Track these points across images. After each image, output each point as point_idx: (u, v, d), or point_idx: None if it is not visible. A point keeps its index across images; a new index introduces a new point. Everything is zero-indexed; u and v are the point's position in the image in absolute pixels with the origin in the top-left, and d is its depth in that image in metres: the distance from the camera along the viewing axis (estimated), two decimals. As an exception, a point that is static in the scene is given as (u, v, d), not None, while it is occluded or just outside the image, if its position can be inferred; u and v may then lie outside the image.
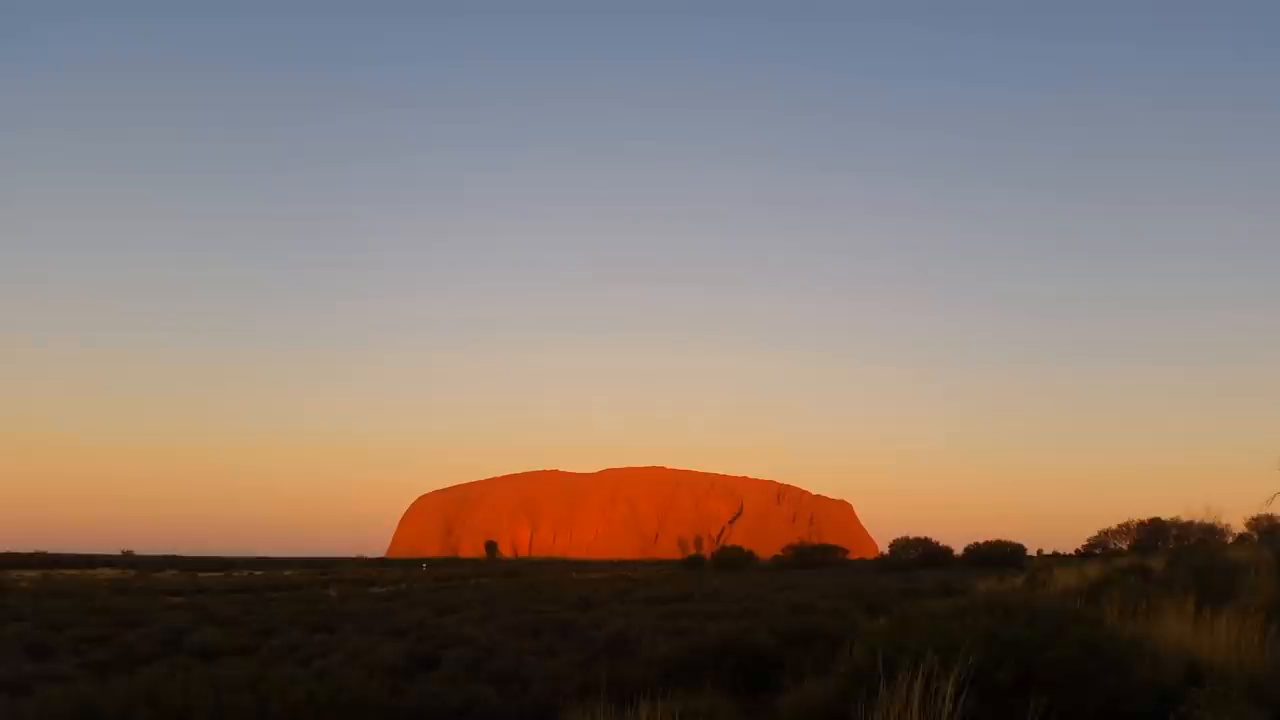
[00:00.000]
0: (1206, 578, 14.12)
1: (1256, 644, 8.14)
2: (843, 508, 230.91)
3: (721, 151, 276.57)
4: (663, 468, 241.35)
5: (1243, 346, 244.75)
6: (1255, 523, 47.65)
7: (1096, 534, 76.40)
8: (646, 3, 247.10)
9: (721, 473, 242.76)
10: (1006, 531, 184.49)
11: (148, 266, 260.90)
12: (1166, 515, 65.65)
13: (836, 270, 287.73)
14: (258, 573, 70.52)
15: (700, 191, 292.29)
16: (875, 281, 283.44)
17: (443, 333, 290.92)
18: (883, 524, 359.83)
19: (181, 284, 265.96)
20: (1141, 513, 73.40)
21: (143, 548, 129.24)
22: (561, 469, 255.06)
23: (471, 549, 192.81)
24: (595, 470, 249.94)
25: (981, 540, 77.29)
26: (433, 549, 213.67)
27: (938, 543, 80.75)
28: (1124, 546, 66.54)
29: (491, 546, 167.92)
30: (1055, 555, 78.08)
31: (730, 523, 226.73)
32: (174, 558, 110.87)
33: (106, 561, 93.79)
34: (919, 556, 75.67)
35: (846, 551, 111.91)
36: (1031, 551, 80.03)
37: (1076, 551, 76.95)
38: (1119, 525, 72.72)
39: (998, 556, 68.96)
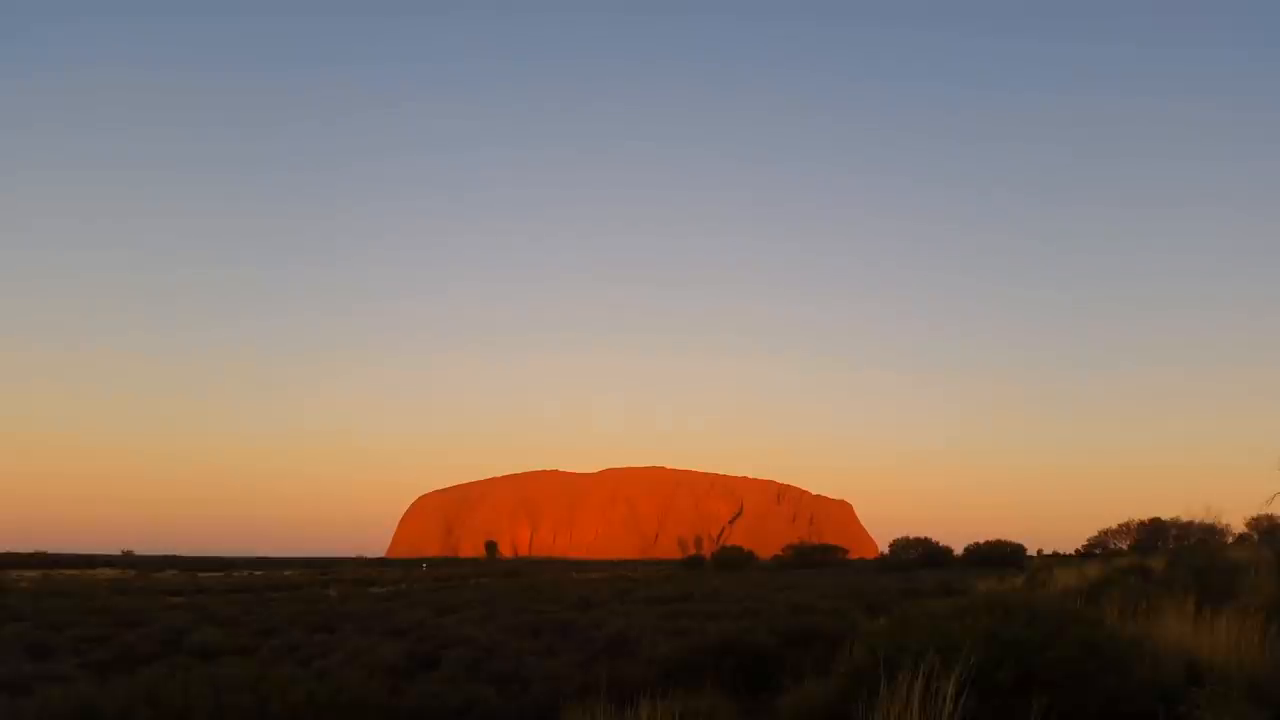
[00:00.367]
0: (1206, 578, 14.12)
1: (1256, 644, 8.13)
2: (843, 508, 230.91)
3: (722, 153, 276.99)
4: (663, 468, 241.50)
5: (1243, 346, 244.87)
6: (1255, 523, 47.71)
7: (1096, 534, 76.52)
8: (647, 4, 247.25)
9: (721, 473, 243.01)
10: (1006, 531, 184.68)
11: (148, 266, 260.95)
12: (1166, 515, 65.75)
13: (837, 271, 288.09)
14: (258, 573, 70.53)
15: (701, 193, 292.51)
16: (875, 282, 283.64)
17: (443, 333, 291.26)
18: (883, 524, 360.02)
19: (181, 284, 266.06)
20: (1141, 513, 73.51)
21: (143, 548, 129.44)
22: (561, 469, 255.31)
23: (471, 549, 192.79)
24: (595, 470, 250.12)
25: (981, 540, 77.44)
26: (433, 549, 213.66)
27: (938, 543, 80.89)
28: (1124, 546, 66.55)
29: (491, 546, 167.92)
30: (1055, 555, 78.08)
31: (730, 523, 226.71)
32: (174, 558, 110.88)
33: (106, 561, 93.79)
34: (919, 556, 75.67)
35: (846, 551, 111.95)
36: (1031, 551, 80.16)
37: (1076, 551, 76.99)
38: (1119, 525, 72.82)
39: (998, 556, 68.97)
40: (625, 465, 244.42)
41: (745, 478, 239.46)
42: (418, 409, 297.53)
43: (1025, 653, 6.90)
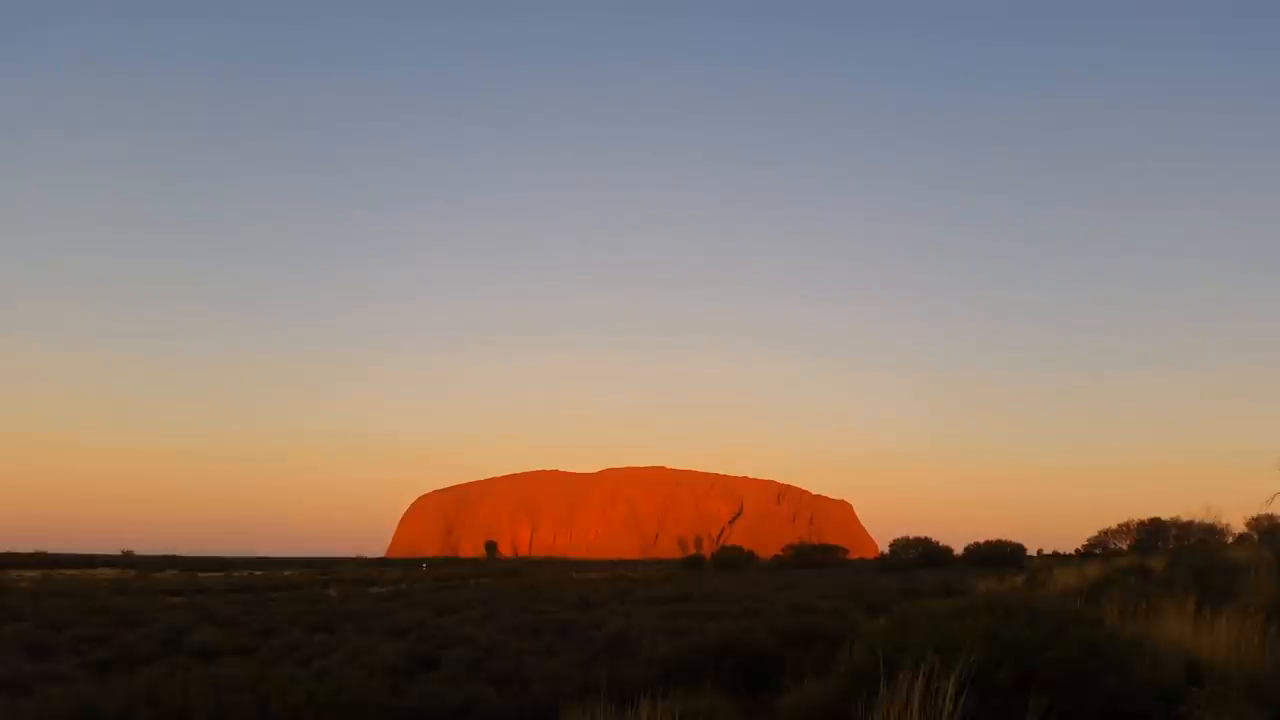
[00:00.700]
0: (1206, 578, 14.12)
1: (1256, 644, 8.13)
2: (843, 508, 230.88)
3: (723, 153, 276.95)
4: (663, 468, 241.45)
5: (1243, 347, 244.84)
6: (1255, 523, 47.69)
7: (1096, 534, 76.49)
8: (648, 6, 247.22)
9: (721, 473, 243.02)
10: (1006, 531, 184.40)
11: (148, 267, 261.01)
12: (1166, 515, 65.71)
13: (837, 271, 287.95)
14: (258, 573, 70.50)
15: (701, 193, 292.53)
16: (876, 283, 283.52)
17: (443, 333, 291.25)
18: (883, 524, 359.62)
19: (181, 284, 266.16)
20: (1141, 513, 73.43)
21: (143, 548, 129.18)
22: (561, 469, 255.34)
23: (471, 549, 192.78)
24: (595, 470, 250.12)
25: (981, 540, 77.46)
26: (433, 549, 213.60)
27: (938, 543, 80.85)
28: (1124, 546, 66.53)
29: (491, 546, 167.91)
30: (1055, 555, 78.01)
31: (730, 523, 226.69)
32: (174, 558, 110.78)
33: (106, 561, 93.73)
34: (919, 556, 75.65)
35: (846, 551, 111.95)
36: (1031, 551, 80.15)
37: (1076, 551, 76.95)
38: (1119, 525, 72.79)
39: (998, 556, 68.98)
40: (625, 465, 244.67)
41: (745, 478, 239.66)
42: (418, 409, 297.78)
43: (1025, 653, 6.90)
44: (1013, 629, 7.16)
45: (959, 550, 78.31)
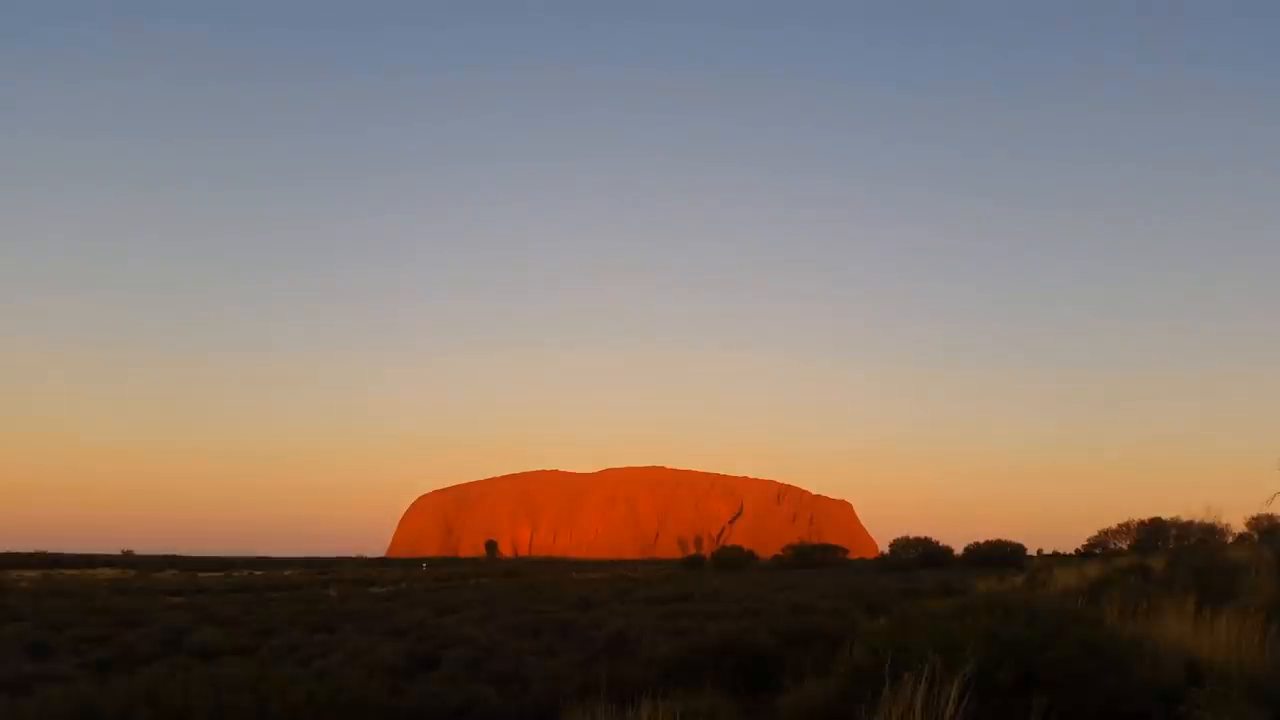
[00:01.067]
0: (1206, 578, 14.11)
1: (1256, 644, 8.12)
2: (843, 508, 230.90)
3: (723, 153, 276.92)
4: (663, 468, 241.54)
5: (1243, 347, 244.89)
6: (1255, 523, 47.69)
7: (1096, 534, 76.40)
8: (648, 9, 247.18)
9: (721, 473, 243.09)
10: (1006, 531, 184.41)
11: (148, 266, 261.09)
12: (1166, 515, 65.65)
13: (837, 271, 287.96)
14: (258, 573, 70.49)
15: (701, 193, 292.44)
16: (876, 283, 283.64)
17: (443, 333, 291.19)
18: (883, 524, 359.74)
19: (182, 284, 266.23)
20: (1141, 513, 73.40)
21: (143, 548, 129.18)
22: (561, 469, 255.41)
23: (471, 549, 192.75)
24: (595, 470, 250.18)
25: (981, 540, 77.44)
26: (433, 549, 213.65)
27: (938, 543, 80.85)
28: (1124, 546, 66.49)
29: (491, 546, 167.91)
30: (1055, 555, 78.02)
31: (730, 523, 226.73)
32: (174, 558, 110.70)
33: (106, 561, 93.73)
34: (919, 556, 75.64)
35: (846, 551, 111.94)
36: (1031, 551, 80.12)
37: (1076, 551, 76.90)
38: (1119, 525, 72.71)
39: (998, 556, 68.96)
40: (625, 465, 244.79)
41: (745, 478, 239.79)
42: (418, 409, 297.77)
43: (1025, 653, 6.90)
44: (1013, 629, 7.16)
45: (959, 550, 78.40)
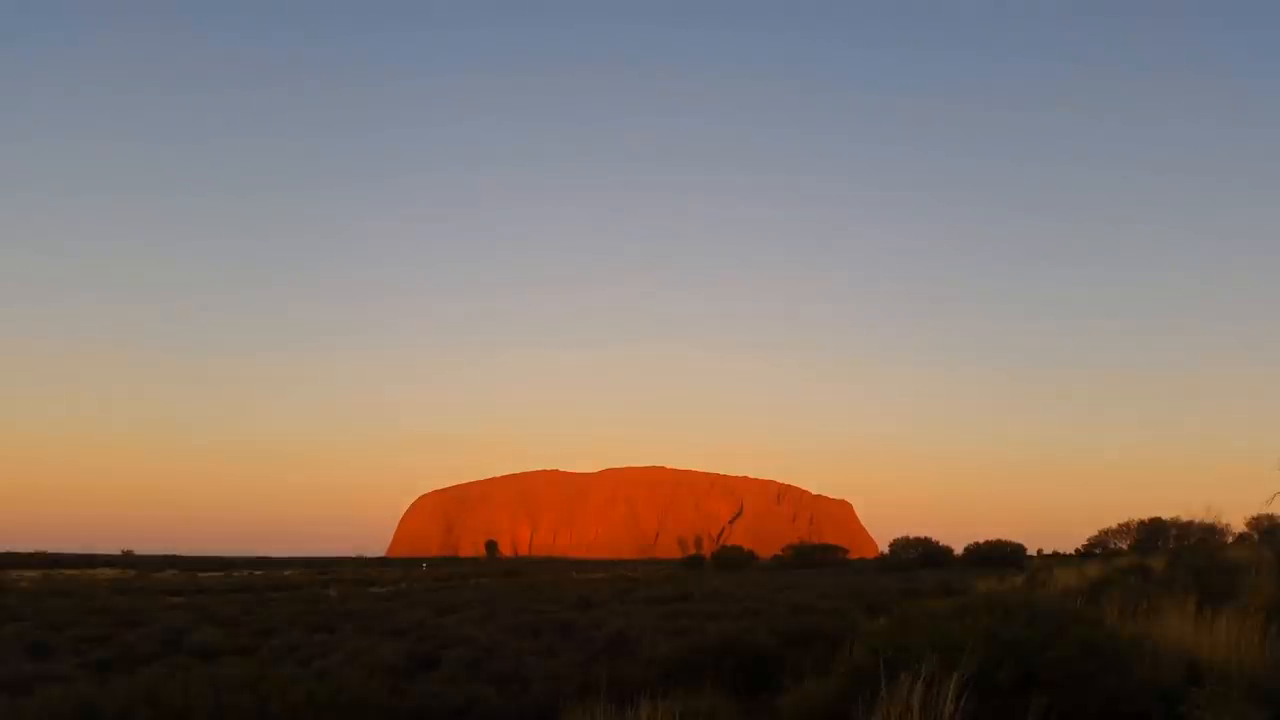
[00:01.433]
0: (1206, 578, 14.12)
1: (1256, 644, 8.13)
2: (843, 508, 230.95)
3: (724, 152, 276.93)
4: (663, 468, 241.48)
5: (1243, 347, 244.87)
6: (1255, 523, 47.60)
7: (1096, 534, 76.28)
8: (650, 10, 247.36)
9: (721, 473, 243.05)
10: (1006, 531, 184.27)
11: (148, 266, 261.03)
12: (1166, 515, 65.57)
13: (837, 271, 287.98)
14: (258, 573, 70.48)
15: (701, 193, 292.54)
16: (876, 282, 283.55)
17: (443, 332, 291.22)
18: (883, 524, 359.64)
19: (182, 284, 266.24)
20: (1141, 513, 73.32)
21: (143, 548, 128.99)
22: (561, 469, 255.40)
23: (471, 548, 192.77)
24: (595, 470, 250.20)
25: (981, 540, 77.44)
26: (433, 549, 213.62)
27: (938, 543, 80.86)
28: (1124, 546, 66.45)
29: (491, 546, 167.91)
30: (1055, 555, 78.03)
31: (730, 523, 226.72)
32: (174, 558, 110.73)
33: (106, 561, 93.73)
34: (919, 556, 75.67)
35: (846, 551, 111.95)
36: (1031, 551, 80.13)
37: (1076, 551, 76.86)
38: (1119, 525, 72.59)
39: (998, 556, 68.98)
40: (625, 465, 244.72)
41: (745, 478, 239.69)
42: (420, 409, 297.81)
43: (1025, 653, 6.90)
44: (1013, 629, 7.16)
45: (959, 550, 78.41)
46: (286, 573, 70.14)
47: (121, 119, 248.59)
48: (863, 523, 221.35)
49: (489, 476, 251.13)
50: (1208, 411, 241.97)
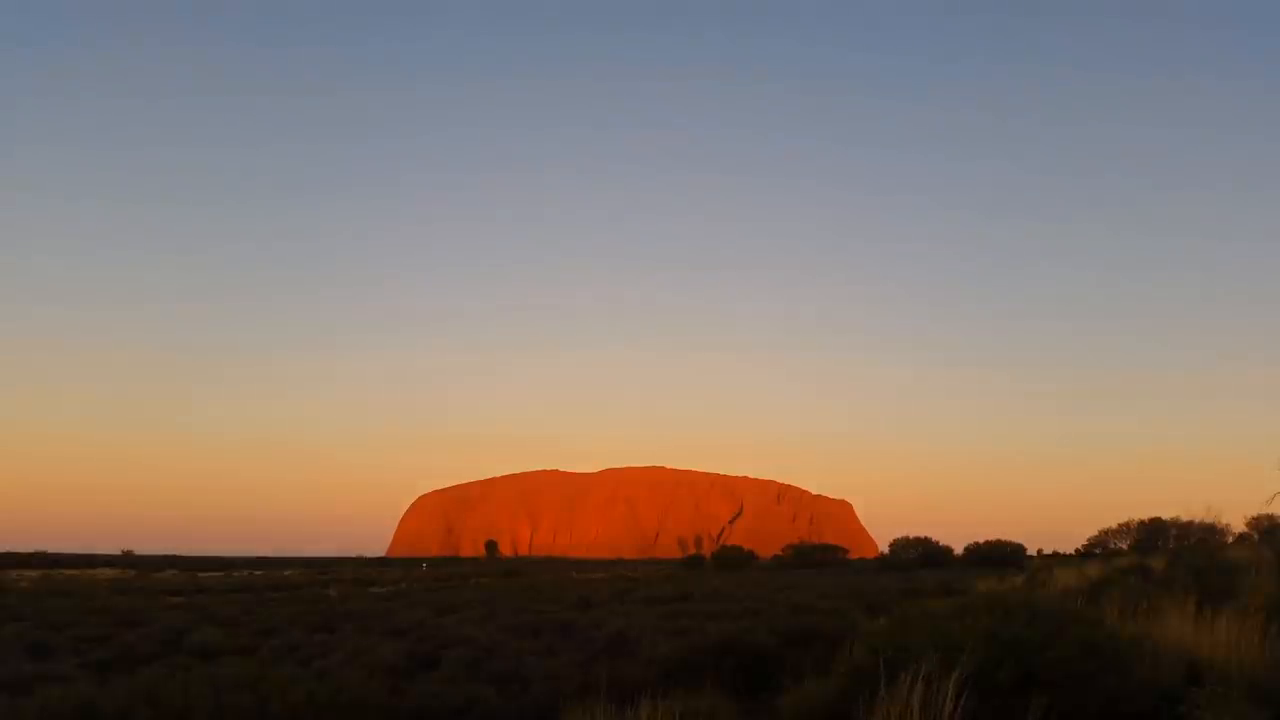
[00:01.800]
0: (1206, 578, 14.11)
1: (1256, 644, 8.13)
2: (843, 508, 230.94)
3: (724, 151, 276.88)
4: (663, 468, 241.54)
5: (1243, 346, 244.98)
6: (1255, 523, 47.54)
7: (1096, 534, 76.21)
8: (651, 12, 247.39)
9: (721, 473, 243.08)
10: (1006, 531, 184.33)
11: (149, 266, 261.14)
12: (1166, 515, 65.51)
13: (838, 271, 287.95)
14: (258, 573, 70.44)
15: (701, 193, 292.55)
16: (876, 282, 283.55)
17: (443, 332, 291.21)
18: (883, 524, 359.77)
19: (182, 283, 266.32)
20: (1141, 513, 73.25)
21: (143, 548, 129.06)
22: (561, 469, 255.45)
23: (471, 548, 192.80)
24: (595, 470, 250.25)
25: (981, 540, 77.50)
26: (433, 548, 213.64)
27: (938, 543, 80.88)
28: (1124, 546, 66.39)
29: (491, 546, 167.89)
30: (1055, 555, 78.03)
31: (730, 523, 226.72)
32: (174, 558, 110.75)
33: (106, 561, 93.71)
34: (919, 556, 75.67)
35: (846, 551, 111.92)
36: (1031, 551, 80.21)
37: (1076, 551, 76.81)
38: (1119, 525, 72.49)
39: (998, 556, 69.00)
40: (625, 465, 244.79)
41: (745, 478, 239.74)
42: (418, 409, 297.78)
43: (1025, 653, 6.90)
44: (1013, 629, 7.16)
45: (959, 550, 78.44)
46: (286, 573, 70.10)
47: (122, 119, 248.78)
48: (863, 523, 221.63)
49: (489, 476, 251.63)
50: (1208, 411, 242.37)
